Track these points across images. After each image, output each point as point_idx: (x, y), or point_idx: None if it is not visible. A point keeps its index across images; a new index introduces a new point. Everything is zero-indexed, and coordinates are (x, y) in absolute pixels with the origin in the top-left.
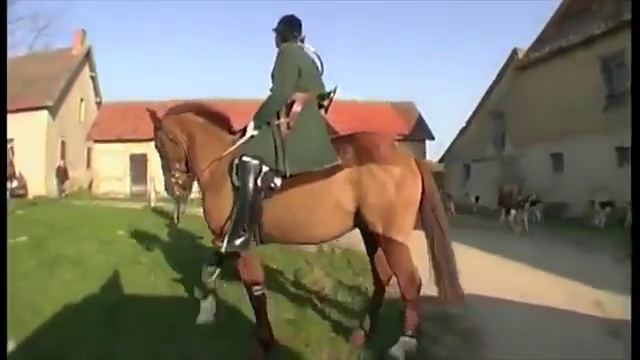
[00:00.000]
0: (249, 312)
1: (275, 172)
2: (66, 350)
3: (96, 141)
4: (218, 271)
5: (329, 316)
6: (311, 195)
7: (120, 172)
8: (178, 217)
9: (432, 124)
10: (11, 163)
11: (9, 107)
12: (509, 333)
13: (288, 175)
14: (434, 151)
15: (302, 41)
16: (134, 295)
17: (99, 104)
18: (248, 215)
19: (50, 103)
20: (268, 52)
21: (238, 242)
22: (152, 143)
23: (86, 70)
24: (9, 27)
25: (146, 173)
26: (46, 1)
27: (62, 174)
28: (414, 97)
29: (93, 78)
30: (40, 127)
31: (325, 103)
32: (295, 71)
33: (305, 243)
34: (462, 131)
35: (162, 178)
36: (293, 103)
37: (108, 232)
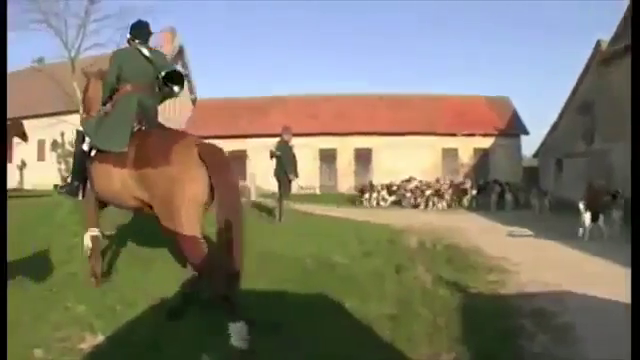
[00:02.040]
0: None
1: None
2: (160, 343)
3: None
4: None
5: (429, 311)
6: (107, 169)
7: None
8: (280, 213)
9: (528, 119)
10: None
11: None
12: (604, 329)
13: (97, 149)
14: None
15: (144, 42)
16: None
17: (194, 101)
18: (77, 170)
19: None
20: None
21: (70, 188)
22: (250, 140)
23: (179, 67)
24: (94, 26)
25: (245, 169)
26: (133, 1)
27: None
28: (510, 92)
29: (187, 76)
30: None
31: (176, 89)
32: (114, 70)
33: (118, 206)
34: (554, 126)
35: (262, 174)
36: (116, 93)
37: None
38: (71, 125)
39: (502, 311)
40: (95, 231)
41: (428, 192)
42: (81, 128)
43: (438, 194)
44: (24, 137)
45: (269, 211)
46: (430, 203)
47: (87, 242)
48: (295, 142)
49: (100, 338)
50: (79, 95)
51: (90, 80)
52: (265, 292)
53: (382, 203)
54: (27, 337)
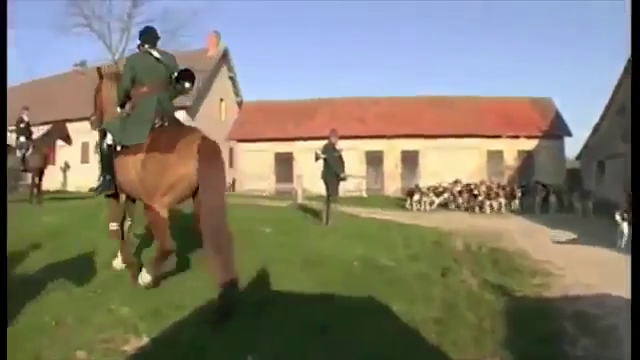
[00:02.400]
0: None
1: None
2: (206, 345)
3: (239, 140)
4: None
5: (475, 315)
6: (126, 160)
7: (264, 171)
8: (327, 216)
9: (570, 120)
10: None
11: None
12: None
13: (121, 144)
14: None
15: (153, 45)
16: (281, 293)
17: (240, 104)
18: (106, 165)
19: (188, 103)
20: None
21: (104, 184)
22: (297, 142)
23: (224, 71)
24: (138, 29)
25: (292, 171)
26: (177, 3)
27: None
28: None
29: (232, 78)
30: None
31: (187, 85)
32: (128, 74)
33: (130, 196)
34: (596, 127)
35: (309, 177)
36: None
37: (254, 229)
38: None
39: (546, 314)
40: (114, 225)
41: (481, 196)
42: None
43: (490, 197)
44: (68, 140)
45: (316, 213)
46: (486, 207)
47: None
48: (342, 145)
49: (144, 340)
50: None
51: (103, 80)
52: (312, 294)
53: (429, 206)
54: (70, 339)
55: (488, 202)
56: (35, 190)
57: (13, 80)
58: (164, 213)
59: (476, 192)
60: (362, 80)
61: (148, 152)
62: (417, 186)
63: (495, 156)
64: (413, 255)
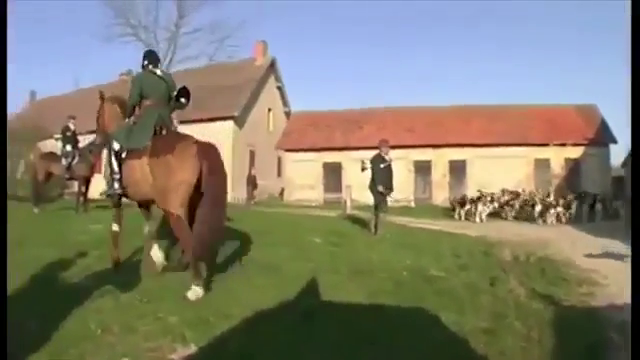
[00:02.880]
0: None
1: (123, 147)
2: (255, 354)
3: (287, 150)
4: None
5: (523, 325)
6: (132, 163)
7: (313, 180)
8: (376, 226)
9: (615, 127)
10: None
11: (194, 117)
12: None
13: (127, 149)
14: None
15: (156, 66)
16: (331, 302)
17: (288, 114)
18: (110, 169)
19: (236, 113)
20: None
21: (111, 188)
22: (346, 152)
23: (272, 80)
24: (185, 39)
25: (340, 181)
26: (224, 13)
27: (252, 182)
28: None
29: (280, 88)
30: (226, 136)
31: (183, 100)
32: (136, 89)
33: (133, 199)
34: None
35: (358, 187)
36: (138, 107)
37: (304, 239)
38: None
39: (593, 324)
40: (116, 227)
41: (538, 206)
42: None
43: (547, 207)
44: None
45: (364, 224)
46: (547, 217)
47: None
48: (390, 154)
49: (192, 349)
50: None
51: (105, 103)
52: (361, 304)
53: (482, 217)
54: (116, 346)
55: (552, 211)
56: (82, 198)
57: (59, 89)
58: (181, 213)
59: (532, 202)
60: (410, 90)
61: (151, 156)
62: (465, 196)
63: (542, 164)
64: (462, 265)
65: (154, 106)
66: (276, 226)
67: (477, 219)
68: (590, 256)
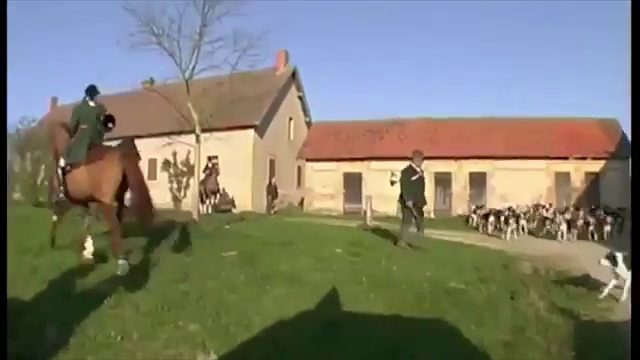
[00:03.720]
0: None
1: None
2: None
3: (308, 160)
4: None
5: (543, 339)
6: (74, 173)
7: (333, 190)
8: (400, 238)
9: None
10: (215, 180)
11: (216, 125)
12: None
13: (69, 163)
14: None
15: (92, 98)
16: (352, 313)
17: (309, 124)
18: (57, 182)
19: (257, 122)
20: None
21: (57, 195)
22: (367, 162)
23: (293, 90)
24: (208, 47)
25: (361, 192)
26: (247, 21)
27: (272, 191)
28: (618, 114)
29: (301, 98)
30: (247, 145)
31: (110, 125)
32: (75, 117)
33: (75, 200)
34: None
35: (378, 197)
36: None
37: (324, 249)
38: (184, 145)
39: (611, 338)
40: (55, 217)
41: (563, 225)
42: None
43: (571, 223)
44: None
45: (385, 234)
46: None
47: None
48: (423, 166)
49: (212, 358)
50: (194, 116)
51: (56, 129)
52: (382, 315)
53: (513, 234)
54: (135, 353)
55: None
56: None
57: (82, 96)
58: (111, 201)
59: (561, 218)
60: (431, 101)
61: (87, 164)
62: (483, 206)
63: (563, 178)
64: (482, 278)
65: (87, 129)
66: (296, 236)
67: (506, 237)
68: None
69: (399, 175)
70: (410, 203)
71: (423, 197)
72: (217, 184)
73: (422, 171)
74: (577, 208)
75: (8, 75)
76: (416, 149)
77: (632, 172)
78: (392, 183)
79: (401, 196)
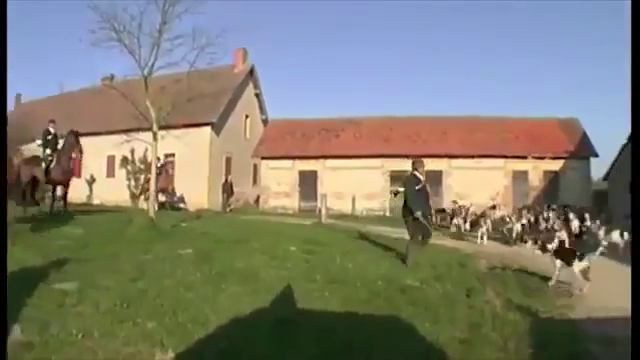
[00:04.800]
0: None
1: None
2: None
3: (263, 157)
4: None
5: (499, 335)
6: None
7: (289, 188)
8: (407, 256)
9: (597, 141)
10: (169, 177)
11: (173, 122)
12: None
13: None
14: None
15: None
16: (306, 310)
17: (265, 121)
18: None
19: (214, 120)
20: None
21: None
22: (322, 160)
23: (250, 88)
24: (167, 45)
25: (316, 190)
26: (206, 19)
27: (228, 189)
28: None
29: (258, 95)
30: (204, 143)
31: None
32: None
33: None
34: (624, 147)
35: (332, 195)
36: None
37: (279, 247)
38: (142, 142)
39: (570, 336)
40: None
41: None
42: None
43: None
44: (79, 149)
45: (340, 232)
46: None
47: None
48: (366, 164)
49: (170, 355)
50: (152, 113)
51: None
52: (337, 312)
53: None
54: (97, 351)
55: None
56: (62, 202)
57: (43, 93)
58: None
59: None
60: (387, 99)
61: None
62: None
63: (520, 177)
64: (438, 275)
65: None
66: (252, 234)
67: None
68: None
69: (401, 186)
70: (419, 213)
71: (429, 206)
72: (167, 183)
73: (424, 179)
74: (529, 210)
75: None
76: (417, 157)
77: (632, 172)
78: (395, 194)
79: (406, 207)
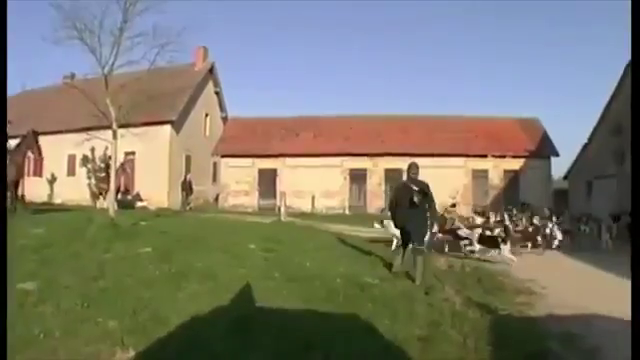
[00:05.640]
0: None
1: None
2: (191, 359)
3: (223, 156)
4: None
5: (459, 333)
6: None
7: (248, 187)
8: (418, 274)
9: (557, 140)
10: (128, 176)
11: (132, 121)
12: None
13: None
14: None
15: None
16: (265, 309)
17: (225, 119)
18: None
19: (173, 118)
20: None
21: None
22: (282, 159)
23: (210, 86)
24: (128, 43)
25: (275, 188)
26: (167, 18)
27: (187, 187)
28: (540, 112)
29: (218, 94)
30: (163, 141)
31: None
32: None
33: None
34: (585, 147)
35: (291, 193)
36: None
37: (238, 246)
38: (102, 141)
39: (530, 334)
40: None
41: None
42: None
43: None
44: (38, 150)
45: (298, 230)
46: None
47: None
48: (325, 162)
49: (131, 354)
50: (112, 111)
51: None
52: (297, 311)
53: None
54: (58, 351)
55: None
56: (13, 201)
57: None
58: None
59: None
60: (347, 98)
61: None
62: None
63: (480, 175)
64: (396, 273)
65: None
66: (211, 232)
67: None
68: (524, 266)
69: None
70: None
71: (435, 216)
72: (126, 181)
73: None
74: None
75: None
76: (411, 162)
77: (632, 172)
78: (412, 203)
79: (406, 212)
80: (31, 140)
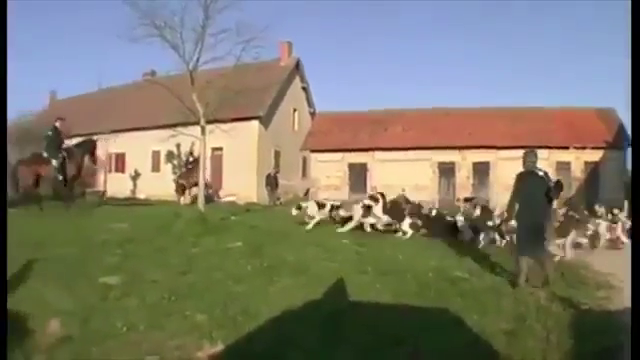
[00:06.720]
0: None
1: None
2: (281, 353)
3: (312, 150)
4: None
5: (543, 328)
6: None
7: (338, 181)
8: (545, 277)
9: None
10: (196, 173)
11: (220, 117)
12: None
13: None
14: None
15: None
16: (358, 303)
17: (313, 114)
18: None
19: (261, 113)
20: None
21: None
22: (372, 153)
23: (297, 81)
24: (211, 40)
25: (365, 182)
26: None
27: (272, 182)
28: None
29: (305, 89)
30: (251, 136)
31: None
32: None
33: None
34: None
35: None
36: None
37: (331, 240)
38: (188, 137)
39: (608, 326)
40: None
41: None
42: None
43: None
44: (94, 157)
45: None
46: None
47: None
48: (415, 156)
49: (219, 347)
50: (199, 107)
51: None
52: (389, 305)
53: None
54: (142, 344)
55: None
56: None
57: (81, 89)
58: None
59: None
60: (433, 93)
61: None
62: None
63: (563, 167)
64: (485, 267)
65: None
66: (301, 227)
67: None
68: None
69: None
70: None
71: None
72: (198, 177)
73: (543, 174)
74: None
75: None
76: (527, 150)
77: (632, 171)
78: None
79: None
80: (88, 146)
